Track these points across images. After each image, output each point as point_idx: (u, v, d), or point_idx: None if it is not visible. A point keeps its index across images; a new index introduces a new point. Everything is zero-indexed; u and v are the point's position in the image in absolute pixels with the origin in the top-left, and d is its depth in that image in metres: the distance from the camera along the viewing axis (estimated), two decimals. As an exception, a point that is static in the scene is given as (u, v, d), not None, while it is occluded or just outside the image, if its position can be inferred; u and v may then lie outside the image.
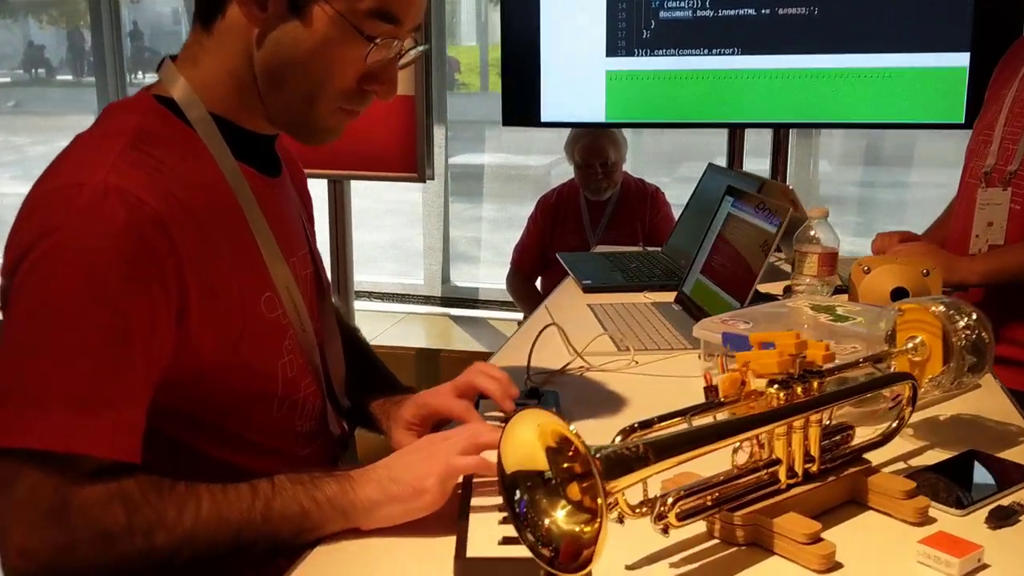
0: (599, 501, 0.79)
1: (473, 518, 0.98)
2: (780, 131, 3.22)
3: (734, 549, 0.98)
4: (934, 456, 1.18)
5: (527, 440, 0.86)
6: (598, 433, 0.86)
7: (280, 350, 1.12)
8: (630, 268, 2.20)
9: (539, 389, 1.35)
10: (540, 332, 1.52)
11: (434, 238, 4.78)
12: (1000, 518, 1.02)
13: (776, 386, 1.01)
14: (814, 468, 1.04)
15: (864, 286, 1.66)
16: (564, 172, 3.72)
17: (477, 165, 6.22)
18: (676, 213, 3.57)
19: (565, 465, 0.86)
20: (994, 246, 1.98)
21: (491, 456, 0.98)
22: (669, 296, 1.94)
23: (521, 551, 0.88)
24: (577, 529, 0.84)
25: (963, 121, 2.83)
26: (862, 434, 1.13)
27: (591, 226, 3.57)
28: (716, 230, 1.84)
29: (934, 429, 1.26)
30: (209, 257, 1.00)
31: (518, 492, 0.87)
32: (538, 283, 3.75)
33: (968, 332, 1.17)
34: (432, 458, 1.00)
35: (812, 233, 1.64)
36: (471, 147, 6.48)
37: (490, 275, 5.01)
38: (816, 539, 0.94)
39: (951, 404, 1.35)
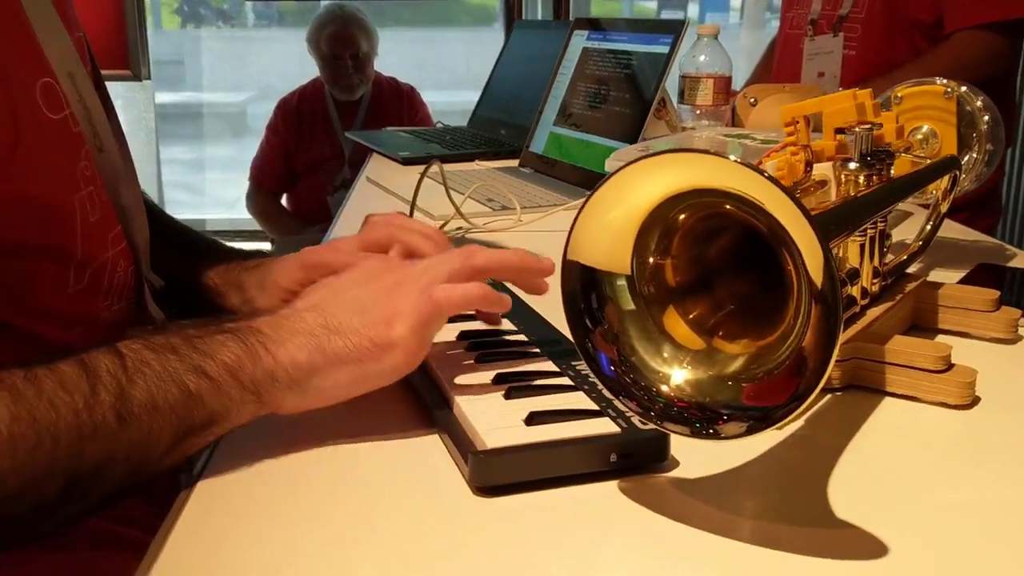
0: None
1: (457, 394, 0.61)
2: None
3: (827, 397, 0.68)
4: (941, 278, 0.96)
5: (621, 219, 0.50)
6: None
7: (74, 177, 0.67)
8: (445, 140, 1.84)
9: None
10: (424, 173, 1.13)
11: (144, 175, 4.10)
12: (1090, 323, 0.81)
13: (854, 165, 0.72)
14: (876, 287, 0.77)
15: (753, 119, 1.43)
16: (263, 111, 3.26)
17: (165, 104, 5.47)
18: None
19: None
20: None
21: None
22: (508, 163, 1.61)
23: (555, 431, 0.55)
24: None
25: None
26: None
27: (343, 131, 3.14)
28: (568, 74, 1.52)
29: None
30: None
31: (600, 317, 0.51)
32: (284, 201, 3.28)
33: (986, 116, 0.94)
34: (398, 288, 0.61)
35: (702, 57, 1.37)
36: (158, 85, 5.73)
37: (215, 212, 4.42)
38: (950, 364, 0.67)
39: (899, 230, 1.15)
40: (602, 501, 0.54)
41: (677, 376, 0.51)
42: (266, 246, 3.45)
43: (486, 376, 0.64)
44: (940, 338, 0.80)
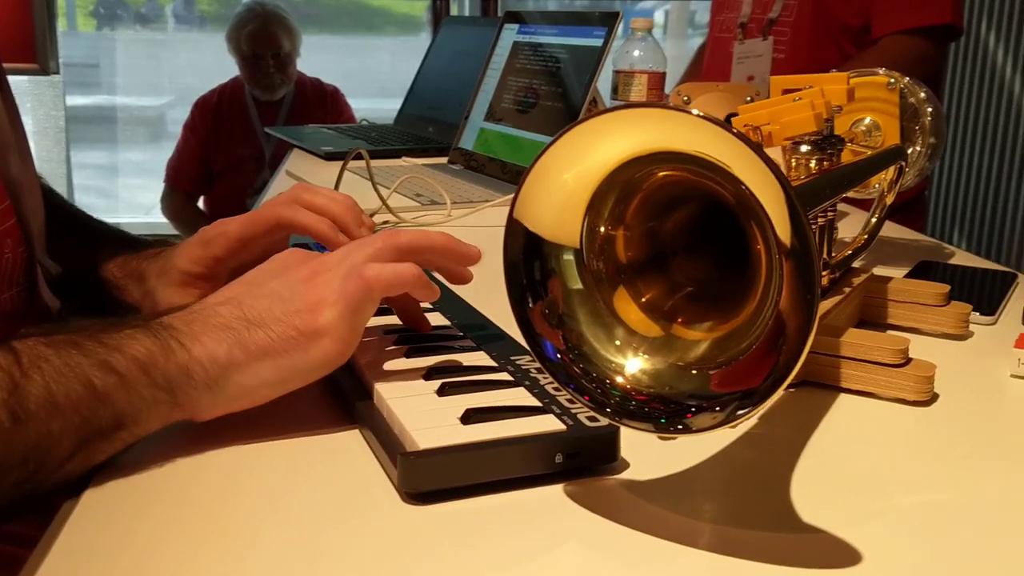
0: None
1: (382, 386, 0.55)
2: None
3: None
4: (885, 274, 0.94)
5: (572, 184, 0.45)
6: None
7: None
8: (371, 136, 1.77)
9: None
10: (346, 161, 1.07)
11: (55, 178, 3.93)
12: (1040, 318, 0.79)
13: (806, 148, 0.68)
14: (825, 280, 0.74)
15: (688, 119, 1.39)
16: (182, 115, 3.15)
17: (78, 107, 5.26)
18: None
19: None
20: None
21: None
22: (437, 160, 1.56)
23: (495, 429, 0.49)
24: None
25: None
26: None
27: (264, 132, 3.04)
28: (498, 70, 1.48)
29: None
30: None
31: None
32: (201, 204, 3.16)
33: (929, 108, 0.92)
34: (317, 276, 0.55)
35: (636, 52, 1.33)
36: (71, 89, 5.52)
37: (128, 217, 4.25)
38: (908, 358, 0.64)
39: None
40: (547, 507, 0.48)
41: (632, 365, 0.46)
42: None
43: (417, 371, 0.58)
44: (891, 333, 0.76)
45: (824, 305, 0.71)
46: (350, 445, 0.54)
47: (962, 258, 1.02)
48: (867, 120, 0.92)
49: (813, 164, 0.68)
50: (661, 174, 0.44)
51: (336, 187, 1.04)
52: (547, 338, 0.47)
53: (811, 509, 0.49)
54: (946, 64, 1.89)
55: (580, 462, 0.50)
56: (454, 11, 3.37)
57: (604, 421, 0.50)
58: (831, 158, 0.69)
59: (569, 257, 0.47)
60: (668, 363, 0.45)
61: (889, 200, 0.86)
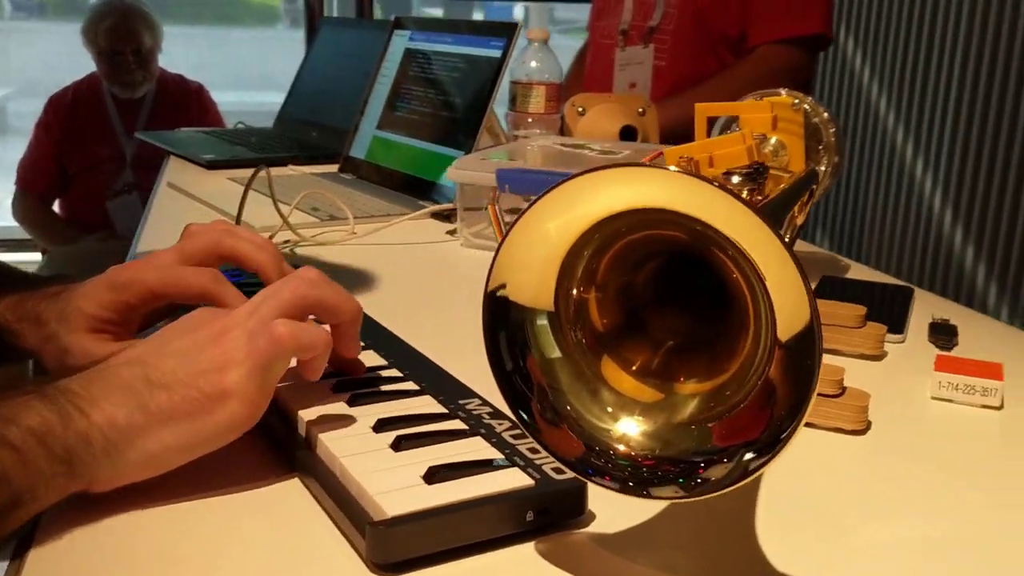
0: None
1: (329, 439, 0.52)
2: None
3: (722, 426, 0.64)
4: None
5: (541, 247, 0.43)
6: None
7: None
8: (252, 142, 1.70)
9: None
10: (251, 180, 1.01)
11: None
12: (944, 334, 0.82)
13: (738, 179, 0.69)
14: (751, 303, 0.75)
15: (582, 127, 1.40)
16: (26, 108, 2.97)
17: None
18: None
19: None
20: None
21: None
22: (326, 168, 1.51)
23: (462, 488, 0.48)
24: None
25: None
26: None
27: (125, 131, 2.89)
28: (390, 76, 1.44)
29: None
30: None
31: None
32: (56, 207, 2.97)
33: (832, 128, 0.95)
34: (226, 334, 0.52)
35: (533, 63, 1.32)
36: None
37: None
38: (843, 387, 0.65)
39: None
40: (520, 569, 0.47)
41: (630, 430, 0.44)
42: (36, 256, 3.12)
43: (364, 421, 0.55)
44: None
45: (755, 332, 0.72)
46: (291, 498, 0.51)
47: (857, 271, 1.06)
48: (773, 140, 0.94)
49: (744, 194, 0.69)
50: (629, 232, 0.43)
51: (241, 205, 0.99)
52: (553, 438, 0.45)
53: (781, 555, 0.49)
54: (816, 73, 1.96)
55: (550, 518, 0.49)
56: (326, 9, 3.28)
57: (570, 474, 0.49)
58: (760, 187, 0.70)
59: (543, 322, 0.45)
60: (666, 422, 0.44)
61: (800, 221, 0.88)
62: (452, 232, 1.13)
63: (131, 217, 2.89)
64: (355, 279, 0.95)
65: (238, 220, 0.98)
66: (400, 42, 1.44)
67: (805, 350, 0.38)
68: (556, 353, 0.45)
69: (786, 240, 0.38)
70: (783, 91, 0.95)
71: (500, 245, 0.44)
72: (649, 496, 0.42)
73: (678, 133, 1.51)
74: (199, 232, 0.69)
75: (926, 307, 0.91)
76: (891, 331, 0.82)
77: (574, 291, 0.45)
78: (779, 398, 0.40)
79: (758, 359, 0.41)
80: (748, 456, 0.40)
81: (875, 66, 2.88)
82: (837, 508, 0.55)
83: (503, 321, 0.45)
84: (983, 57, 2.49)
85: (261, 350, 0.51)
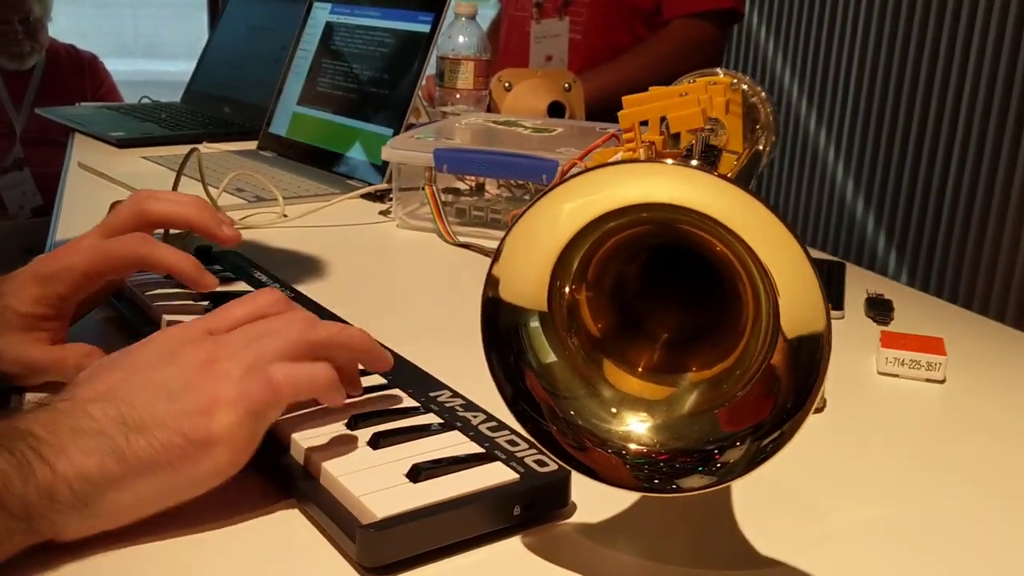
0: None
1: (301, 438, 0.50)
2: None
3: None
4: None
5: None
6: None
7: None
8: (162, 119, 1.63)
9: (211, 249, 0.83)
10: (183, 163, 0.96)
11: None
12: (881, 309, 0.85)
13: (696, 162, 0.69)
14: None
15: (509, 103, 1.39)
16: None
17: None
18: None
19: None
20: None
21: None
22: (243, 145, 1.46)
23: (448, 485, 0.47)
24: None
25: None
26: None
27: (13, 104, 2.75)
28: (310, 50, 1.40)
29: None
30: None
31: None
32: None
33: (769, 107, 0.96)
34: (215, 365, 0.47)
35: (461, 38, 1.30)
36: None
37: None
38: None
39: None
40: (510, 564, 0.46)
41: (637, 427, 0.44)
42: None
43: (335, 418, 0.53)
44: (757, 333, 0.80)
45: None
46: (265, 501, 0.49)
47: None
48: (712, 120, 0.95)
49: (701, 177, 0.69)
50: (621, 228, 0.43)
51: (175, 187, 0.95)
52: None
53: (764, 539, 0.50)
54: (725, 49, 1.99)
55: (536, 512, 0.48)
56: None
57: (554, 466, 0.49)
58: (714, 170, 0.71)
59: (535, 325, 0.44)
60: (671, 415, 0.44)
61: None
62: (385, 212, 1.11)
63: (22, 195, 2.76)
64: (289, 264, 0.92)
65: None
66: (321, 15, 1.40)
67: (813, 345, 0.39)
68: (552, 358, 0.44)
69: (796, 230, 0.38)
70: (720, 70, 0.96)
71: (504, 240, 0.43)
72: (679, 490, 0.42)
73: (600, 108, 1.52)
74: (122, 205, 0.66)
75: (857, 281, 0.94)
76: (834, 307, 0.84)
77: (566, 289, 0.44)
78: (783, 386, 0.40)
79: (760, 344, 0.41)
80: (760, 438, 0.41)
81: (779, 40, 2.94)
82: (809, 489, 0.56)
83: (497, 329, 0.44)
84: (883, 29, 2.57)
85: (256, 397, 0.46)
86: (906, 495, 0.56)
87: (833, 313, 0.82)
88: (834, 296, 0.87)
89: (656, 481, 0.42)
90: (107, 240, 0.64)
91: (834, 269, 0.97)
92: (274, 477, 0.51)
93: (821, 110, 2.80)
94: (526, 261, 0.42)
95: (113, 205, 0.67)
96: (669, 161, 0.41)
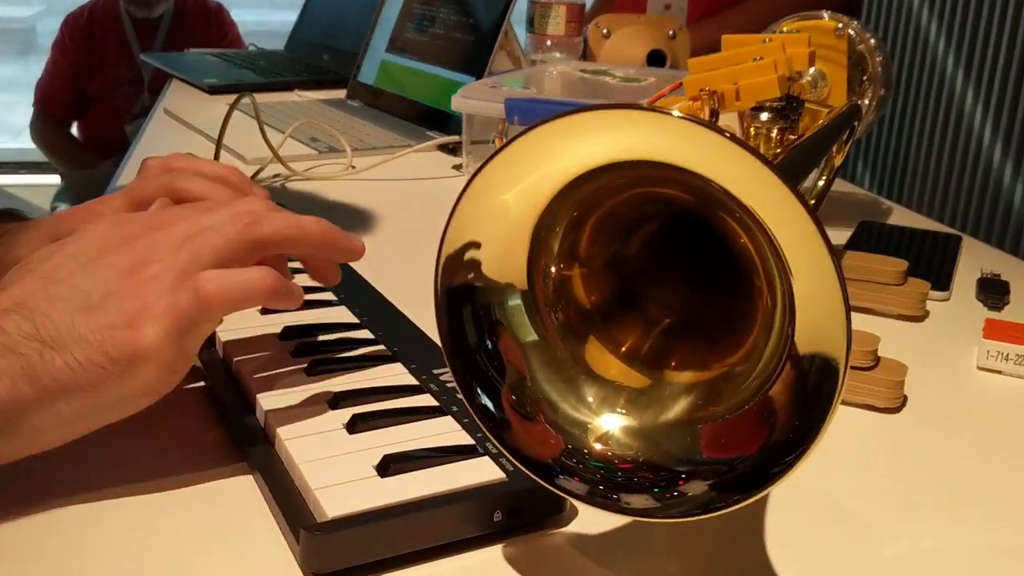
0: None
1: (292, 445, 0.45)
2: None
3: (737, 399, 0.57)
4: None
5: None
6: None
7: None
8: (260, 66, 1.62)
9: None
10: (231, 110, 0.93)
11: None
12: (994, 292, 0.73)
13: (767, 116, 0.60)
14: (777, 257, 0.66)
15: (607, 51, 1.30)
16: (54, 28, 2.87)
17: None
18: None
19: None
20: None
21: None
22: (333, 93, 1.42)
23: (420, 482, 0.40)
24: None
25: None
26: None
27: (141, 51, 2.81)
28: (399, -6, 1.34)
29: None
30: None
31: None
32: (74, 130, 2.92)
33: (879, 57, 0.85)
34: (144, 268, 0.43)
35: (553, -21, 1.22)
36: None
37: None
38: (877, 358, 0.57)
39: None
40: (484, 578, 0.40)
41: (611, 426, 0.37)
42: (55, 179, 3.08)
43: (320, 395, 0.48)
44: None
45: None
46: (233, 486, 0.44)
47: (900, 216, 0.97)
48: (812, 70, 0.84)
49: (775, 133, 0.60)
50: (622, 188, 0.35)
51: (220, 135, 0.91)
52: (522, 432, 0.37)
53: (797, 568, 0.41)
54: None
55: (523, 518, 0.42)
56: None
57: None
58: (793, 125, 0.61)
59: (516, 302, 0.37)
60: (653, 419, 0.36)
61: (838, 162, 0.79)
62: (458, 167, 1.05)
63: (150, 141, 2.83)
64: (344, 217, 0.87)
65: (217, 151, 0.90)
66: (411, -41, 1.34)
67: (825, 378, 0.30)
68: (532, 336, 0.37)
69: (819, 221, 0.29)
70: (826, 14, 0.85)
71: (450, 217, 0.36)
72: (617, 504, 0.35)
73: None
74: (153, 167, 0.62)
75: (975, 258, 0.82)
76: (935, 287, 0.73)
77: (552, 269, 0.37)
78: (779, 421, 0.32)
79: (766, 358, 0.33)
80: (728, 480, 0.33)
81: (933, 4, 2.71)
82: (864, 507, 0.47)
83: (466, 301, 0.37)
84: (1046, -20, 2.32)
85: (183, 309, 0.41)
86: (989, 520, 0.46)
87: (936, 295, 0.72)
88: (940, 275, 0.76)
89: (600, 488, 0.35)
90: (124, 204, 0.60)
91: (947, 243, 0.85)
92: (239, 441, 0.46)
93: (969, 68, 2.57)
94: (491, 239, 0.35)
95: (144, 163, 0.63)
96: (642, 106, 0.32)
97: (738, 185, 0.30)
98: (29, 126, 2.89)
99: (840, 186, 1.09)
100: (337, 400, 0.47)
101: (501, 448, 0.37)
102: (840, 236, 0.86)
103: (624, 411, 0.37)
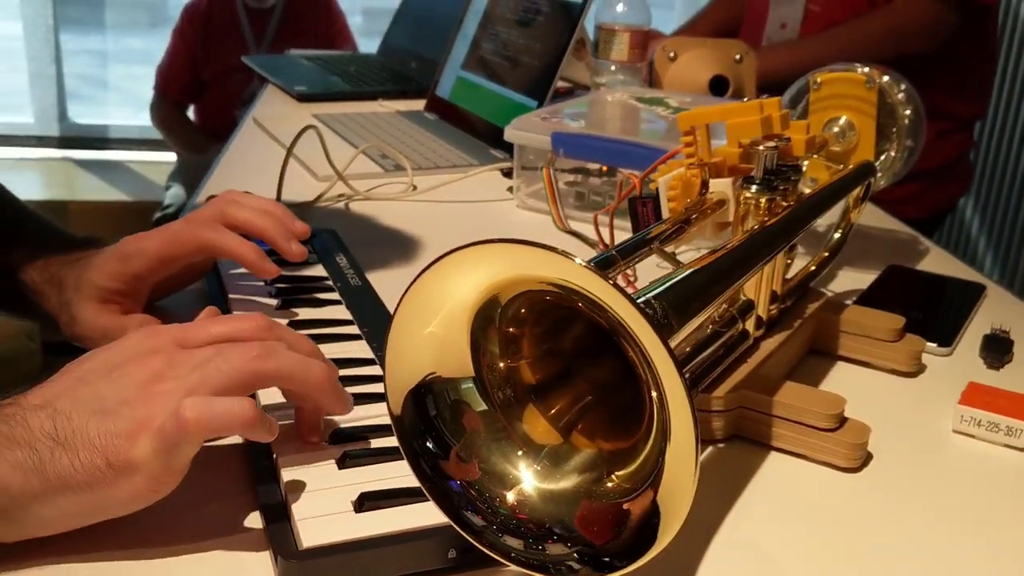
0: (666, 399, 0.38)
1: (287, 474, 0.52)
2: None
3: (709, 449, 0.62)
4: (848, 280, 0.90)
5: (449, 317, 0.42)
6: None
7: None
8: (349, 72, 1.71)
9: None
10: (294, 142, 1.02)
11: (42, 63, 3.85)
12: (997, 351, 0.76)
13: (756, 188, 0.64)
14: (775, 311, 0.71)
15: (672, 76, 1.34)
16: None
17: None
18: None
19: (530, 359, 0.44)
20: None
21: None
22: (414, 104, 1.50)
23: (387, 520, 0.47)
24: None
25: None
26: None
27: (254, 39, 2.96)
28: (479, 11, 1.41)
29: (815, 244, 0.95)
30: None
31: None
32: (191, 113, 3.09)
33: (907, 110, 0.87)
34: (158, 384, 0.48)
35: (619, 7, 1.26)
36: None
37: (120, 115, 4.14)
38: (842, 420, 0.61)
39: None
40: (435, 607, 0.47)
41: (526, 482, 0.44)
42: (171, 157, 3.28)
43: (324, 432, 0.55)
44: (840, 366, 0.74)
45: (768, 345, 0.68)
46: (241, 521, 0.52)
47: (933, 260, 0.98)
48: (842, 120, 0.88)
49: (763, 203, 0.64)
50: (536, 299, 0.41)
51: (281, 176, 0.99)
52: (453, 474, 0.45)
53: (709, 619, 0.47)
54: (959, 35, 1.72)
55: (472, 557, 0.48)
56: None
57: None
58: (784, 194, 0.65)
59: (468, 386, 0.44)
60: (558, 483, 0.43)
61: (855, 218, 0.83)
62: (511, 189, 1.11)
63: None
64: (391, 241, 0.95)
65: (281, 175, 0.98)
66: (490, -21, 1.40)
67: (657, 530, 0.36)
68: (482, 407, 0.44)
69: (687, 383, 0.35)
70: (858, 67, 0.88)
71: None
72: (495, 545, 0.43)
73: (775, 84, 1.41)
74: (214, 202, 0.72)
75: (994, 311, 0.84)
76: (940, 343, 0.76)
77: (501, 365, 0.44)
78: (623, 533, 0.38)
79: (639, 463, 0.39)
80: (588, 556, 0.39)
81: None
82: (792, 559, 0.52)
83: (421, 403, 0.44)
84: None
85: (167, 431, 0.45)
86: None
87: (937, 349, 0.75)
88: (948, 328, 0.78)
89: (493, 528, 0.43)
90: (179, 227, 0.69)
91: (968, 292, 0.87)
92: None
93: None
94: (426, 351, 0.43)
95: (209, 198, 0.73)
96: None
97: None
98: (149, 108, 3.08)
99: (883, 221, 1.11)
100: (335, 438, 0.55)
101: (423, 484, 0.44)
102: (865, 279, 0.89)
103: (539, 470, 0.43)
